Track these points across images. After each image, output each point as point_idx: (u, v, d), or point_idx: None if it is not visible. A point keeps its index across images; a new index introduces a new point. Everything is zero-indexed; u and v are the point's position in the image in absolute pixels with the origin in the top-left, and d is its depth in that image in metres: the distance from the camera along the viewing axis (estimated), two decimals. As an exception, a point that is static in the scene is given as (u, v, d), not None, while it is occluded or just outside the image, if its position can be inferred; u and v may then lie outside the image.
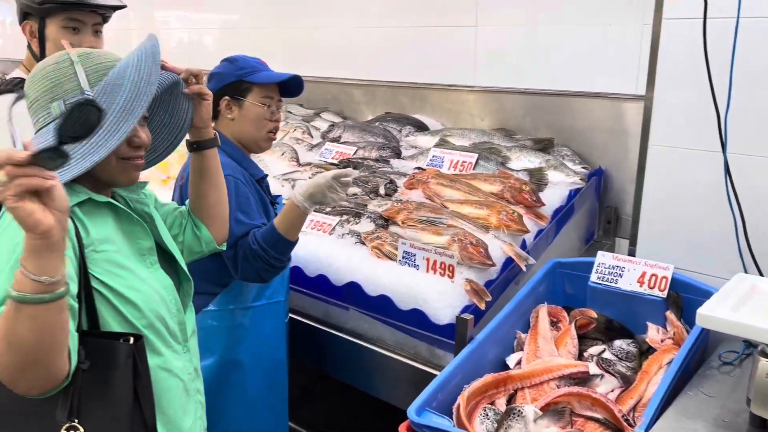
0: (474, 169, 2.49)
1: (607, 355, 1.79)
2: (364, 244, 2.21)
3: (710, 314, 1.41)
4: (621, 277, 1.95)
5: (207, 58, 4.48)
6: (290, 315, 2.14)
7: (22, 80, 1.81)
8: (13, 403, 1.11)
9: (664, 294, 1.89)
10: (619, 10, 2.48)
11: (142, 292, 1.25)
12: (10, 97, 1.70)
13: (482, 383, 1.63)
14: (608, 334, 1.91)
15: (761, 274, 1.79)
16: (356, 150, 2.94)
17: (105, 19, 1.90)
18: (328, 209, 2.42)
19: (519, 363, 1.79)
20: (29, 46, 1.96)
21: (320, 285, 2.14)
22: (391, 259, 2.10)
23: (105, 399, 1.16)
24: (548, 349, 1.80)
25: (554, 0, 2.68)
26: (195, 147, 1.51)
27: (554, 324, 1.95)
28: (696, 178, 1.96)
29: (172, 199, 1.98)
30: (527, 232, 2.12)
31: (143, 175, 1.39)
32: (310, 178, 2.65)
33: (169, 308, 1.33)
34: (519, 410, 1.51)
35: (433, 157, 2.63)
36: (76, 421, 1.12)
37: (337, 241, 2.26)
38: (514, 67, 2.84)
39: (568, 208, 2.32)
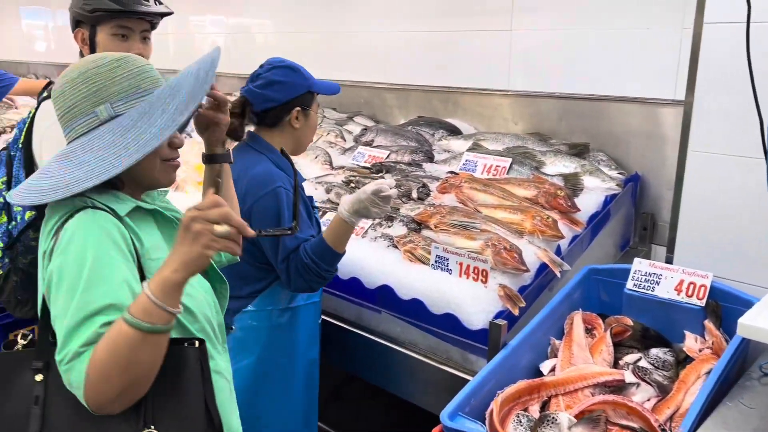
0: (508, 173, 2.48)
1: (643, 363, 1.76)
2: (396, 247, 2.21)
3: (752, 324, 1.38)
4: (658, 284, 1.92)
5: (241, 62, 4.54)
6: (322, 317, 2.15)
7: None
8: (85, 419, 1.11)
9: (703, 302, 1.85)
10: (658, 14, 2.45)
11: (194, 297, 1.28)
12: None
13: (516, 389, 1.62)
14: (644, 343, 1.88)
15: (804, 284, 1.75)
16: (389, 154, 2.95)
17: (153, 26, 1.94)
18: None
19: (553, 370, 1.77)
20: (81, 54, 2.01)
21: (353, 287, 2.15)
22: (423, 263, 2.10)
23: (178, 404, 1.17)
24: (583, 356, 1.78)
25: (591, 3, 2.66)
26: (208, 160, 1.53)
27: (589, 331, 1.93)
28: (737, 185, 1.92)
29: None
30: (562, 237, 2.10)
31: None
32: (344, 181, 2.70)
33: (212, 311, 1.36)
34: (553, 417, 1.49)
35: (467, 161, 2.63)
36: (152, 427, 1.14)
37: (369, 244, 2.27)
38: (549, 71, 2.82)
39: (604, 214, 2.29)
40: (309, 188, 2.66)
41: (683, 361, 1.80)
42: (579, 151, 2.60)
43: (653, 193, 2.53)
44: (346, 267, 2.18)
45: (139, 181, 1.27)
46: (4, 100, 4.42)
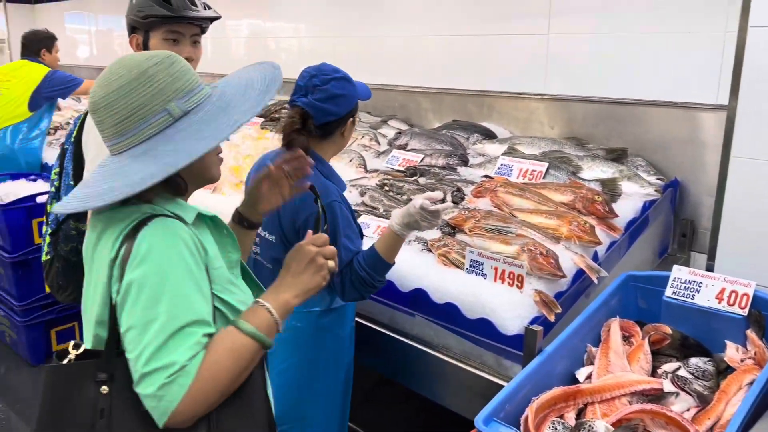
0: (544, 178, 2.46)
1: (682, 372, 1.73)
2: (430, 251, 2.21)
3: (798, 335, 1.34)
4: (698, 292, 1.89)
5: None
6: (356, 319, 2.16)
7: None
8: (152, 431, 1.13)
9: (745, 312, 1.81)
10: (700, 18, 2.41)
11: (247, 304, 1.28)
12: None
13: (551, 396, 1.60)
14: (683, 352, 1.84)
15: None
16: (423, 157, 2.96)
17: (203, 30, 1.99)
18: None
19: (589, 377, 1.75)
20: None
21: (386, 290, 2.15)
22: (457, 267, 2.09)
23: (242, 408, 1.20)
24: (620, 364, 1.75)
25: (630, 6, 2.63)
26: (248, 225, 1.54)
27: (626, 339, 1.90)
28: (781, 192, 1.88)
29: None
30: (599, 243, 2.07)
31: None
32: (378, 184, 2.71)
33: None
34: (589, 425, 1.47)
35: (502, 165, 2.61)
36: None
37: (403, 248, 2.22)
38: (587, 75, 2.79)
39: (642, 220, 2.26)
40: (344, 192, 2.67)
41: (724, 371, 1.76)
42: (617, 156, 2.57)
43: (693, 199, 2.48)
44: (380, 270, 2.19)
45: (201, 175, 1.29)
46: (71, 98, 4.62)
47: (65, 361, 1.17)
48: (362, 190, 2.71)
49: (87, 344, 1.21)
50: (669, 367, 1.77)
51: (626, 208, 2.27)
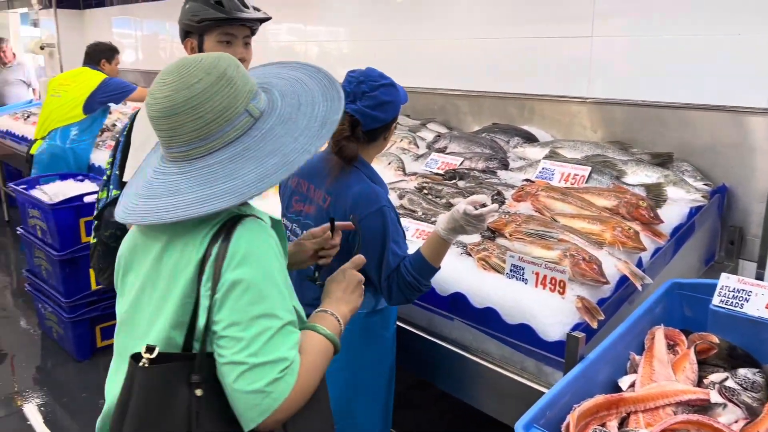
0: (586, 182, 2.43)
1: (730, 383, 1.68)
2: (470, 255, 2.20)
3: None
4: (747, 301, 1.83)
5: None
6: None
7: None
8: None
9: (797, 322, 1.75)
10: (749, 20, 2.35)
11: (298, 309, 1.32)
12: None
13: (593, 403, 1.58)
14: (731, 362, 1.79)
15: None
16: (462, 161, 2.94)
17: (253, 32, 2.05)
18: (434, 218, 2.43)
19: (632, 385, 1.72)
20: None
21: (425, 294, 2.15)
22: (497, 271, 2.08)
23: (314, 405, 1.23)
24: (665, 373, 1.71)
25: (675, 9, 2.58)
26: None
27: (671, 347, 1.86)
28: (837, 199, 1.82)
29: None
30: (644, 249, 2.03)
31: None
32: (416, 187, 2.71)
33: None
34: (633, 435, 1.45)
35: (543, 169, 2.59)
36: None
37: (442, 251, 2.26)
38: (631, 78, 2.75)
39: (688, 227, 2.21)
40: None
41: (774, 383, 1.71)
42: (662, 160, 2.52)
43: (741, 205, 2.42)
44: (420, 273, 2.19)
45: None
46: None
47: (142, 363, 1.13)
48: (401, 193, 2.72)
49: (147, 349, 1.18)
50: (716, 377, 1.73)
51: (672, 214, 2.22)
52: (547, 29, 3.07)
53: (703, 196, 2.30)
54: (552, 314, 1.85)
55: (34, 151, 4.43)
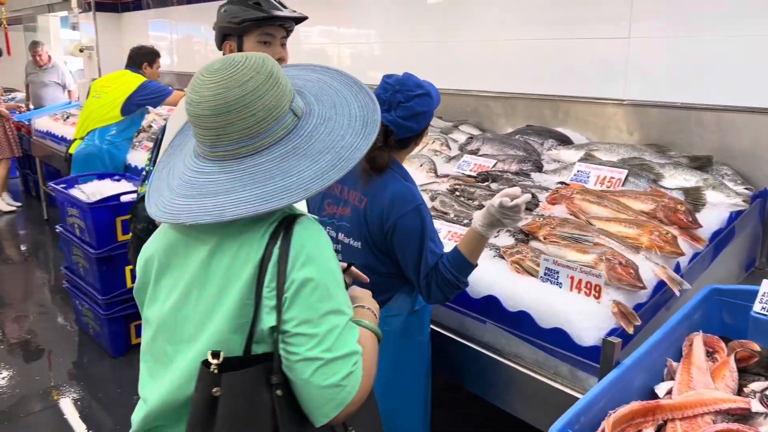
0: (623, 186, 2.39)
1: (771, 393, 1.64)
2: (503, 257, 2.18)
3: None
4: (790, 309, 1.79)
5: (348, 72, 4.62)
6: (427, 324, 2.16)
7: None
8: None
9: (843, 331, 1.70)
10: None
11: None
12: None
13: (629, 410, 1.55)
14: (772, 371, 1.75)
15: None
16: (495, 163, 2.92)
17: (288, 33, 2.08)
18: (466, 221, 2.42)
19: (669, 393, 1.68)
20: None
21: (457, 296, 2.14)
22: (531, 275, 2.06)
23: (367, 400, 1.24)
24: (703, 380, 1.68)
25: (716, 9, 2.53)
26: None
27: (710, 354, 1.81)
28: None
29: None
30: (682, 254, 1.99)
31: None
32: (448, 189, 2.70)
33: None
34: (671, 443, 1.42)
35: (578, 171, 2.55)
36: (351, 428, 1.25)
37: (475, 254, 2.24)
38: (669, 80, 2.70)
39: (728, 232, 2.16)
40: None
41: (818, 393, 1.66)
42: (701, 164, 2.47)
43: (784, 210, 2.36)
44: (452, 275, 2.18)
45: None
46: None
47: (212, 368, 1.13)
48: (432, 194, 2.71)
49: (200, 357, 1.17)
50: (757, 386, 1.68)
51: (711, 218, 2.18)
52: (582, 30, 3.04)
53: (743, 201, 2.24)
54: (587, 319, 1.83)
55: (72, 150, 4.53)
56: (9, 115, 6.95)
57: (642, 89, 2.82)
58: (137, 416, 1.29)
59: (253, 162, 1.16)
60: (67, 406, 3.30)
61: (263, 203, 1.12)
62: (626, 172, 2.41)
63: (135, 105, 4.40)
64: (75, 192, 3.87)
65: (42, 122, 6.40)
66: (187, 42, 7.04)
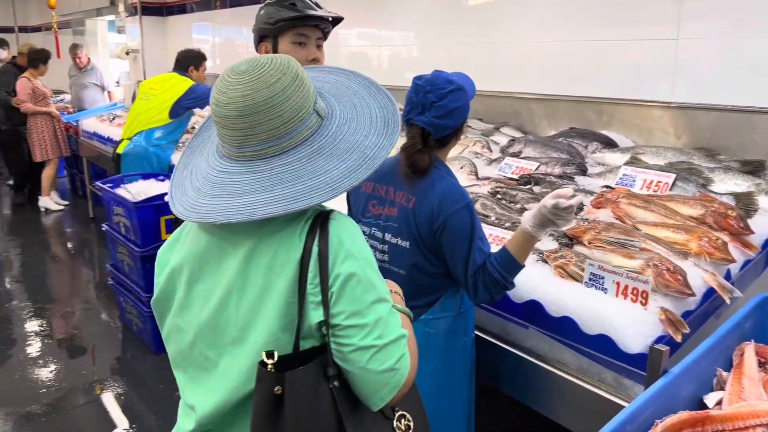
0: (670, 190, 2.33)
1: (828, 406, 1.58)
2: (546, 262, 2.15)
3: None
4: None
5: (387, 74, 4.65)
6: (466, 328, 2.15)
7: None
8: (365, 416, 1.25)
9: None
10: None
11: None
12: None
13: (677, 420, 1.51)
14: (829, 383, 1.68)
15: None
16: (538, 165, 2.89)
17: (325, 35, 2.07)
18: (507, 224, 2.40)
19: (719, 403, 1.64)
20: None
21: (499, 301, 2.12)
22: (575, 280, 2.03)
23: (410, 391, 1.28)
24: (756, 391, 1.62)
25: (766, 10, 2.45)
26: None
27: (762, 365, 1.76)
28: None
29: None
30: (733, 261, 1.94)
31: None
32: (490, 192, 2.68)
33: None
34: (722, 455, 1.38)
35: (624, 175, 2.51)
36: (398, 409, 1.31)
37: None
38: (719, 82, 2.63)
39: (782, 238, 2.09)
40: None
41: None
42: (753, 168, 2.40)
43: (841, 217, 2.27)
44: (494, 279, 2.16)
45: None
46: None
47: (269, 368, 1.15)
48: (474, 197, 2.69)
49: (251, 358, 1.19)
50: (812, 399, 1.63)
51: (763, 224, 2.11)
52: (627, 32, 2.98)
53: (797, 206, 2.17)
54: (633, 326, 1.79)
55: (120, 150, 4.64)
56: (59, 116, 7.17)
57: (690, 91, 2.75)
58: (186, 425, 1.30)
59: (280, 162, 1.18)
60: (110, 400, 3.38)
61: (292, 202, 1.13)
62: (674, 176, 2.36)
63: (183, 108, 4.47)
64: (121, 191, 3.96)
65: (89, 123, 6.58)
66: (229, 45, 7.15)
